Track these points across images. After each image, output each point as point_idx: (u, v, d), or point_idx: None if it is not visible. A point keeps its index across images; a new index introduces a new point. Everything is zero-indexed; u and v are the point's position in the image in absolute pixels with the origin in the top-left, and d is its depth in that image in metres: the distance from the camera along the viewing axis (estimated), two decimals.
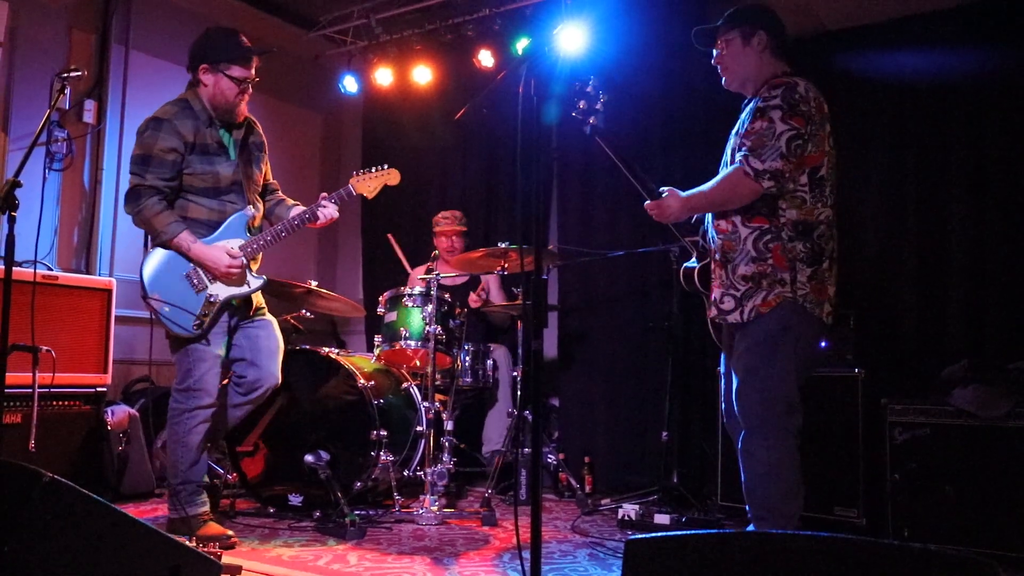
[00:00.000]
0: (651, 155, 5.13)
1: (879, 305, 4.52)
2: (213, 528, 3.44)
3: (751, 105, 2.99)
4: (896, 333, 4.48)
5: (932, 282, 4.52)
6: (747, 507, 2.94)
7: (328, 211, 3.66)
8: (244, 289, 3.60)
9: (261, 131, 3.86)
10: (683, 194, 3.01)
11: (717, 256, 2.99)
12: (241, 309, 3.69)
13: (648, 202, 3.04)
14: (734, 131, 3.08)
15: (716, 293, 2.98)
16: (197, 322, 3.48)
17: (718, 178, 2.96)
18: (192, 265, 3.51)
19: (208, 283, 3.52)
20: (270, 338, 3.73)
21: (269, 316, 3.81)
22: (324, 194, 3.72)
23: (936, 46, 4.61)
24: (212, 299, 3.51)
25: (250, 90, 3.63)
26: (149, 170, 3.45)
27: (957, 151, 4.53)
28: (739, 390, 2.91)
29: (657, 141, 5.16)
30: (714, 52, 3.16)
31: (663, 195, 3.02)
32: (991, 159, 4.42)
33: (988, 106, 4.45)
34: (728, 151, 3.10)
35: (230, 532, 3.47)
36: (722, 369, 3.23)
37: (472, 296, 5.22)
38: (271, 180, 3.97)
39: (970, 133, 4.49)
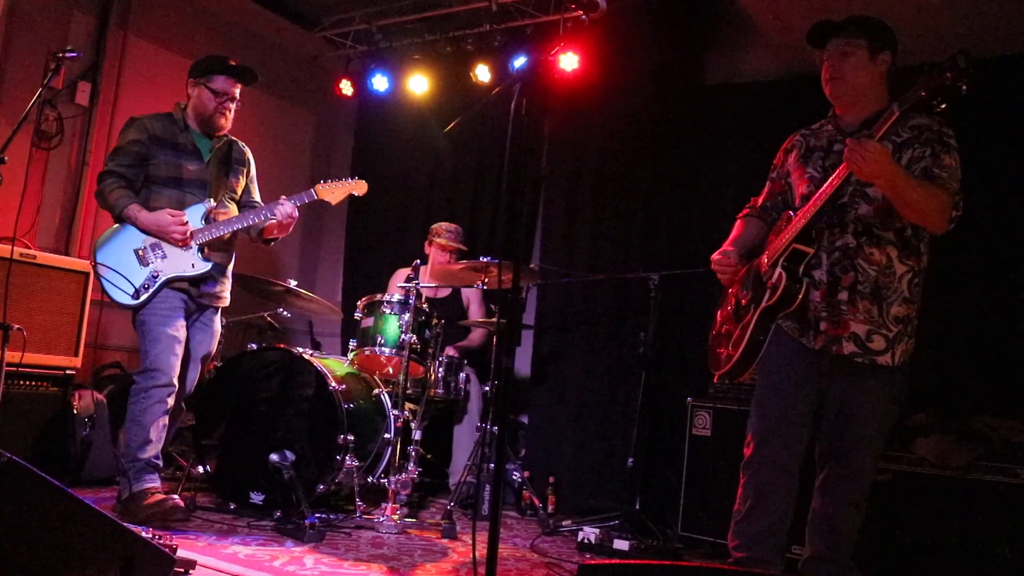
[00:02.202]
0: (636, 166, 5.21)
1: None
2: (157, 496, 3.52)
3: (906, 132, 2.70)
4: None
5: None
6: (813, 551, 2.89)
7: (284, 208, 3.77)
8: (189, 271, 3.71)
9: (247, 151, 4.07)
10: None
11: (861, 287, 2.71)
12: (193, 296, 3.78)
13: (867, 140, 2.50)
14: (819, 153, 2.88)
15: (859, 329, 2.72)
16: (135, 292, 3.63)
17: (925, 182, 2.65)
18: (143, 243, 3.67)
19: (153, 260, 3.68)
20: (201, 344, 3.88)
21: (217, 325, 3.95)
22: (283, 197, 3.84)
23: None
24: (155, 274, 3.66)
25: (229, 107, 3.85)
26: (115, 159, 3.74)
27: None
28: (865, 435, 2.76)
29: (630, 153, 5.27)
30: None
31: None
32: (968, 212, 4.49)
33: (968, 164, 4.53)
34: (803, 178, 2.88)
35: (175, 495, 3.57)
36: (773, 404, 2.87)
37: (449, 350, 5.09)
38: (256, 199, 4.10)
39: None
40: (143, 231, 3.66)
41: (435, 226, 5.49)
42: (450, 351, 5.01)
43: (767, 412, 2.88)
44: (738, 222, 3.19)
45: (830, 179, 2.65)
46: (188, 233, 3.65)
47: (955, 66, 2.32)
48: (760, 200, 3.16)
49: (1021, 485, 3.47)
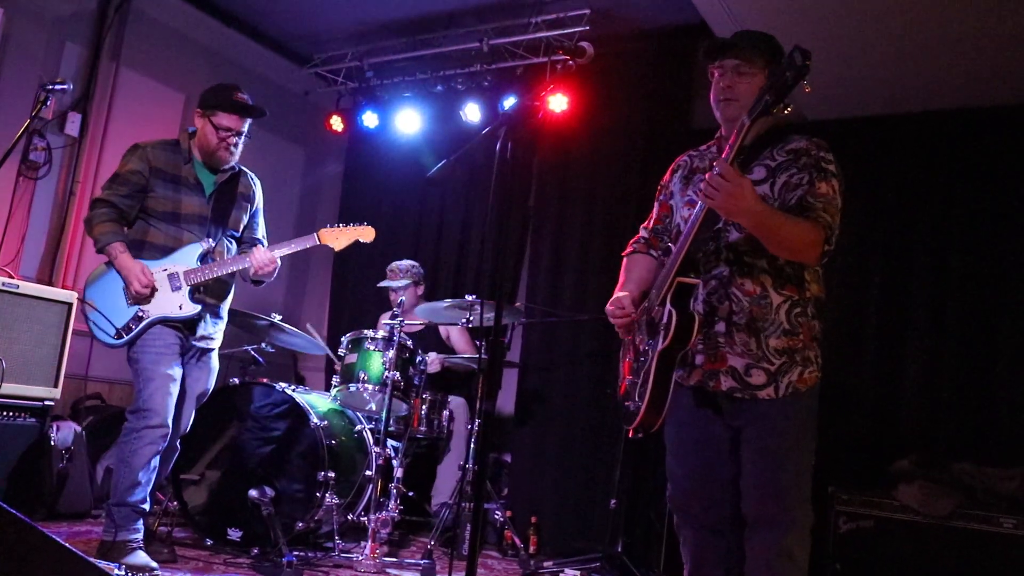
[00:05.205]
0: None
1: (834, 392, 4.58)
2: (140, 557, 3.36)
3: (781, 156, 2.54)
4: (848, 421, 4.53)
5: (888, 375, 4.59)
6: None
7: (257, 257, 3.61)
8: (176, 312, 3.55)
9: (254, 185, 3.91)
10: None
11: (737, 319, 2.51)
12: (186, 335, 3.62)
13: (727, 167, 2.30)
14: (678, 175, 2.76)
15: (737, 363, 2.50)
16: (117, 332, 3.51)
17: (795, 217, 2.43)
18: None
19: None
20: (198, 381, 3.71)
21: (214, 363, 3.77)
22: (267, 244, 3.73)
23: (906, 147, 4.76)
24: (141, 314, 3.52)
25: (234, 141, 3.70)
26: (112, 187, 3.62)
27: (920, 252, 4.67)
28: (768, 476, 2.47)
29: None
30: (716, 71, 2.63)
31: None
32: (952, 262, 4.56)
33: (952, 212, 4.60)
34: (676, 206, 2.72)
35: (155, 564, 3.37)
36: (674, 440, 2.69)
37: (432, 361, 5.04)
38: (258, 235, 3.94)
39: (934, 237, 4.64)
40: (117, 271, 3.54)
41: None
42: (436, 361, 4.93)
43: (674, 477, 2.70)
44: (624, 262, 2.94)
45: (694, 212, 2.45)
46: (144, 295, 3.49)
47: (792, 63, 2.17)
48: (650, 223, 2.92)
49: (1004, 534, 3.47)
